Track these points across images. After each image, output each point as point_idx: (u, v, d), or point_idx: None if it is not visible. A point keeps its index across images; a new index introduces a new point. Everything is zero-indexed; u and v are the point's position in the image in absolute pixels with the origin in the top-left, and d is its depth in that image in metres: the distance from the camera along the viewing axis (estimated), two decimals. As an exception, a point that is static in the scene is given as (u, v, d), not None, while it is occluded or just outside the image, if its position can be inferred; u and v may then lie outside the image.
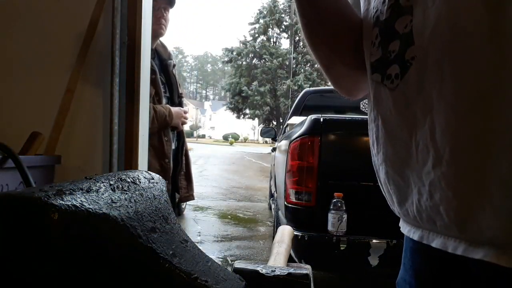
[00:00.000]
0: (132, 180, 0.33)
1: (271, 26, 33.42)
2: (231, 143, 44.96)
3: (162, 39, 2.11)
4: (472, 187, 0.41)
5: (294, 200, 2.39)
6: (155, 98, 1.96)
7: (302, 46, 28.87)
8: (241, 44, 33.61)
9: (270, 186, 5.11)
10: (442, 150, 0.42)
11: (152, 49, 2.04)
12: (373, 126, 0.56)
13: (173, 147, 2.06)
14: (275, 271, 0.43)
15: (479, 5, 0.38)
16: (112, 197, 0.28)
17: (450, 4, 0.41)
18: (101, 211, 0.26)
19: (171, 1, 2.06)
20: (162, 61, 2.10)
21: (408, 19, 0.46)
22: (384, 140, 0.53)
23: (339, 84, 0.70)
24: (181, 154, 2.15)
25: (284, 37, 34.93)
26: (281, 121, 28.31)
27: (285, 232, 0.65)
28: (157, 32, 2.00)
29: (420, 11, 0.44)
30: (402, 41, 0.47)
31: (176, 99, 2.14)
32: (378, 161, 0.56)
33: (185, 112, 2.10)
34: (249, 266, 0.44)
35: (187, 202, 2.31)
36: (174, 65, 2.17)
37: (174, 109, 2.01)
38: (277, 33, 34.75)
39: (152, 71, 1.92)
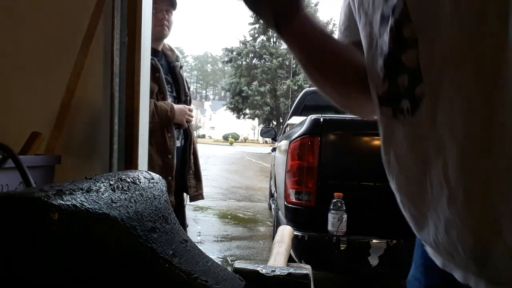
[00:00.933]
0: (132, 180, 0.33)
1: (271, 26, 33.35)
2: (231, 143, 44.96)
3: (166, 40, 2.13)
4: (487, 228, 0.41)
5: (294, 200, 2.39)
6: (159, 95, 1.97)
7: (302, 46, 28.87)
8: (241, 44, 33.60)
9: (270, 186, 5.10)
10: (456, 190, 0.42)
11: (158, 51, 2.06)
12: (384, 156, 0.55)
13: (178, 144, 2.06)
14: (275, 271, 0.43)
15: (488, 41, 0.38)
16: (112, 197, 0.28)
17: (457, 41, 0.40)
18: (101, 211, 0.26)
19: (173, 3, 2.07)
20: (169, 63, 2.11)
21: (414, 52, 0.45)
22: (398, 173, 0.52)
23: (352, 111, 0.72)
24: (189, 153, 2.15)
25: (284, 37, 34.86)
26: (281, 121, 28.30)
27: (285, 232, 0.65)
28: (160, 33, 2.01)
29: (426, 45, 0.43)
30: (409, 75, 0.46)
31: (182, 98, 2.15)
32: (392, 187, 0.56)
33: (190, 110, 2.11)
34: (249, 266, 0.44)
35: (187, 202, 2.31)
36: (181, 67, 2.18)
37: (177, 106, 2.01)
38: (277, 33, 34.68)
39: (156, 69, 1.93)
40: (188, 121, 2.10)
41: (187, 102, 2.18)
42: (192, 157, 2.16)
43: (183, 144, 2.14)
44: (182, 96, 2.15)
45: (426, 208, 0.48)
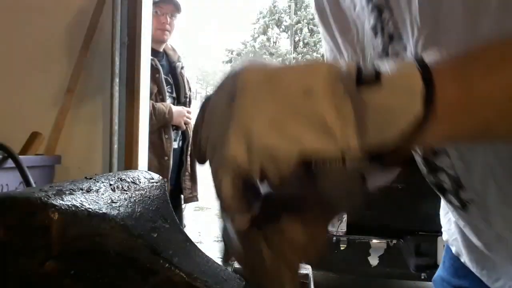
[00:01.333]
0: (132, 180, 0.33)
1: (271, 26, 33.43)
2: (231, 143, 44.92)
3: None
4: None
5: (294, 200, 2.39)
6: (157, 96, 1.97)
7: (302, 46, 28.89)
8: (241, 44, 33.63)
9: (270, 186, 5.09)
10: None
11: (160, 52, 2.06)
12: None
13: (175, 146, 2.07)
14: (275, 271, 0.43)
15: None
16: (112, 197, 0.28)
17: (488, 152, 0.38)
18: (101, 211, 0.26)
19: (177, 7, 2.07)
20: (170, 63, 2.11)
21: (447, 160, 0.42)
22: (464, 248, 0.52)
23: None
24: (186, 155, 2.15)
25: (284, 37, 34.96)
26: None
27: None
28: (160, 37, 2.02)
29: (457, 157, 0.41)
30: (450, 177, 0.43)
31: (182, 99, 2.15)
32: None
33: (189, 112, 2.11)
34: (249, 266, 0.44)
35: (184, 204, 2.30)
36: (182, 67, 2.18)
37: (176, 108, 2.02)
38: (277, 33, 34.77)
39: (156, 70, 1.93)
40: (186, 123, 2.10)
41: (187, 103, 2.18)
42: (188, 158, 2.16)
43: (181, 145, 2.15)
44: (182, 97, 2.15)
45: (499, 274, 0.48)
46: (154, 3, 1.98)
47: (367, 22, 0.44)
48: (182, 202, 2.23)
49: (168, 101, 2.02)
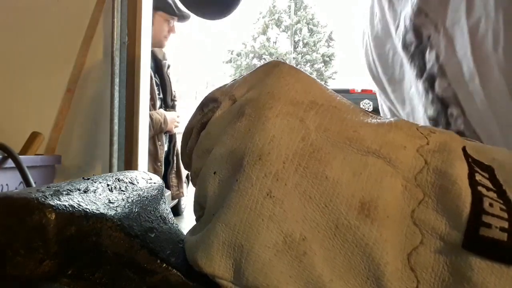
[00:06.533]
0: (130, 180, 0.33)
1: (270, 26, 33.40)
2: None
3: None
4: None
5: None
6: (149, 101, 1.97)
7: (302, 46, 28.87)
8: (241, 44, 33.61)
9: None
10: None
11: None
12: None
13: (165, 149, 2.10)
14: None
15: None
16: (110, 197, 0.28)
17: None
18: (98, 211, 0.26)
19: (184, 16, 2.07)
20: (157, 61, 2.09)
21: None
22: None
23: None
24: (173, 155, 2.21)
25: (284, 37, 34.93)
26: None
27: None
28: (159, 44, 2.04)
29: None
30: None
31: (169, 102, 2.16)
32: None
33: (178, 117, 2.15)
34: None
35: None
36: (168, 66, 2.17)
37: (169, 115, 2.04)
38: (277, 33, 34.74)
39: None
40: (176, 127, 2.14)
41: (175, 106, 2.20)
42: (175, 158, 2.23)
43: (168, 146, 2.19)
44: (169, 99, 2.16)
45: None
46: (169, 14, 1.98)
47: (422, 108, 0.39)
48: (170, 198, 2.30)
49: (157, 103, 2.03)
